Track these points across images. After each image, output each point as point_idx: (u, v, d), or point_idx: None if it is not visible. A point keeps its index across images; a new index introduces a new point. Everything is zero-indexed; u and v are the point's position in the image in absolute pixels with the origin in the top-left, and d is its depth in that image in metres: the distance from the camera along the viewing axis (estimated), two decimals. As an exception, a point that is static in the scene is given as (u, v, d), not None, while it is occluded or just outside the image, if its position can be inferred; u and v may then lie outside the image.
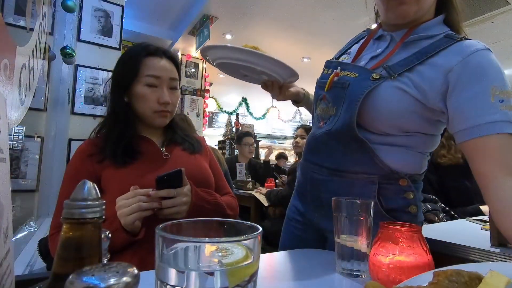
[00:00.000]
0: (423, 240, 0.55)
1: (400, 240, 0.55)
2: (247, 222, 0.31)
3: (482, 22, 3.44)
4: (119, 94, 0.89)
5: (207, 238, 0.25)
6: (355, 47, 0.86)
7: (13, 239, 1.43)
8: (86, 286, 0.18)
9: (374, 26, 0.87)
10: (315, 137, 0.81)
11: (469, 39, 0.69)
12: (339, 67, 0.78)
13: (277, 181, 3.68)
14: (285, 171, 4.12)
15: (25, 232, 1.55)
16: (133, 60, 0.88)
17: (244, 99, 7.53)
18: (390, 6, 0.72)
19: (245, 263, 0.26)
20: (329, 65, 0.84)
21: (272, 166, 4.92)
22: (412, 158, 0.74)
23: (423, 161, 0.76)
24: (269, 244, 2.05)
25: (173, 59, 0.93)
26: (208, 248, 0.27)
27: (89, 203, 0.24)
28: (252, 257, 0.27)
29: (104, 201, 0.26)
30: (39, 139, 1.91)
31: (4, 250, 0.25)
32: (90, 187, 0.25)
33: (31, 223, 1.68)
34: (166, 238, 0.26)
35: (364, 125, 0.72)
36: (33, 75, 1.07)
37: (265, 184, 3.27)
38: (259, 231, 0.29)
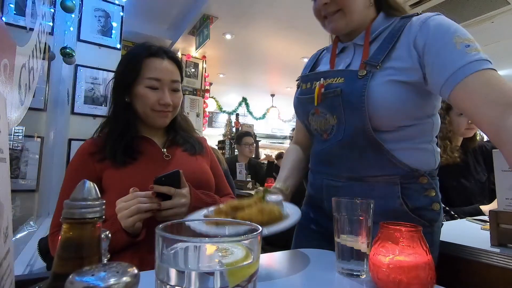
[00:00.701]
0: (423, 240, 0.55)
1: (400, 240, 0.55)
2: (247, 222, 0.31)
3: (482, 22, 3.44)
4: (121, 94, 0.89)
5: (207, 238, 0.25)
6: (323, 67, 0.87)
7: (13, 239, 1.43)
8: (86, 286, 0.18)
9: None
10: (324, 150, 0.81)
11: (421, 13, 0.73)
12: (321, 78, 0.77)
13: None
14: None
15: (25, 232, 1.55)
16: (135, 61, 0.88)
17: (244, 99, 7.52)
18: (325, 24, 0.81)
19: (245, 263, 0.26)
20: (306, 79, 0.84)
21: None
22: (426, 153, 0.75)
23: (436, 155, 0.77)
24: (269, 244, 2.05)
25: (175, 60, 0.93)
26: (208, 248, 0.27)
27: (89, 203, 0.24)
28: (252, 257, 0.27)
29: (104, 201, 0.26)
30: (39, 139, 1.91)
31: (4, 250, 0.25)
32: (90, 187, 0.25)
33: (31, 223, 1.68)
34: (166, 238, 0.26)
35: (376, 126, 0.71)
36: (33, 75, 1.07)
37: (265, 184, 3.27)
38: (259, 231, 0.29)
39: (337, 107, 0.73)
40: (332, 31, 0.81)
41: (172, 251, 0.26)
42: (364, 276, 0.63)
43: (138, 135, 0.90)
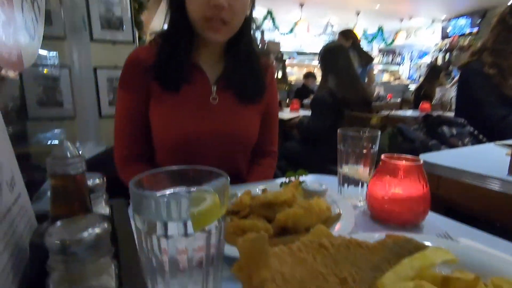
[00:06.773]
0: (422, 173, 0.55)
1: (398, 172, 0.55)
2: (214, 168, 0.32)
3: None
4: None
5: (172, 189, 0.27)
6: None
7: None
8: (61, 239, 0.21)
9: None
10: None
11: None
12: None
13: (304, 101, 3.61)
14: (313, 91, 3.99)
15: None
16: None
17: (269, 12, 6.84)
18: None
19: (211, 205, 0.28)
20: None
21: (299, 87, 4.77)
22: None
23: None
24: (291, 165, 2.13)
25: None
26: (178, 198, 0.30)
27: (69, 161, 0.27)
28: (220, 202, 0.29)
29: (85, 157, 0.28)
30: (67, 69, 1.96)
31: (12, 198, 0.29)
32: (68, 146, 0.28)
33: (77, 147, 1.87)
34: (136, 194, 0.28)
35: None
36: (38, 4, 1.03)
37: (290, 106, 3.25)
38: (224, 178, 0.31)
39: None
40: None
41: (145, 203, 0.29)
42: (362, 203, 0.66)
43: (189, 62, 0.76)
